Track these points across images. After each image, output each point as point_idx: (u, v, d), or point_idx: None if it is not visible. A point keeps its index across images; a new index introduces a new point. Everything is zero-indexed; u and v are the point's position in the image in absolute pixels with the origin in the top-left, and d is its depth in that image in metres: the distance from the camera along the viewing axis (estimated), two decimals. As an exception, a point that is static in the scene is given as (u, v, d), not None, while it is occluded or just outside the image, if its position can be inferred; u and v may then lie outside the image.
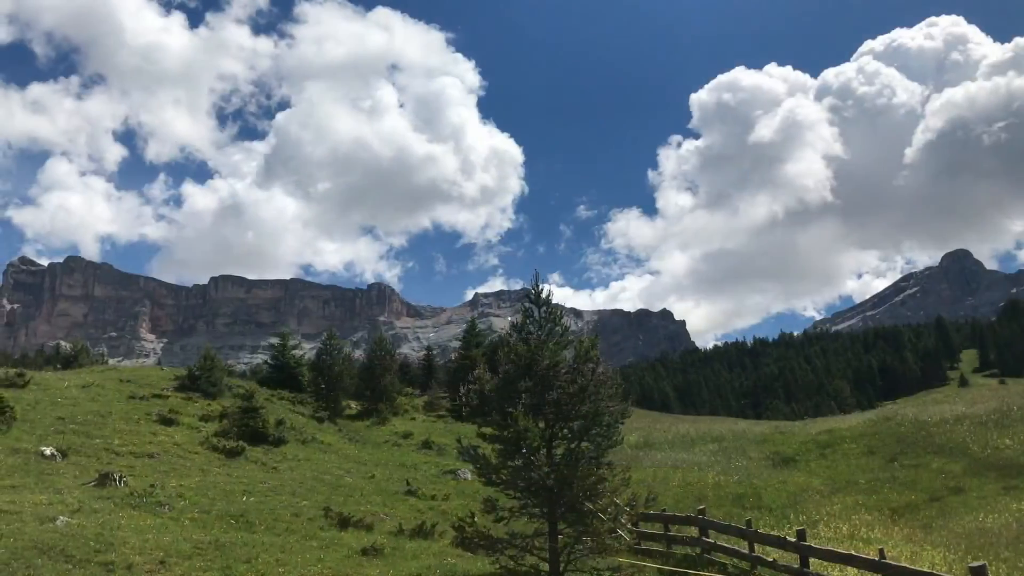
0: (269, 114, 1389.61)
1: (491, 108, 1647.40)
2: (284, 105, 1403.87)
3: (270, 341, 73.52)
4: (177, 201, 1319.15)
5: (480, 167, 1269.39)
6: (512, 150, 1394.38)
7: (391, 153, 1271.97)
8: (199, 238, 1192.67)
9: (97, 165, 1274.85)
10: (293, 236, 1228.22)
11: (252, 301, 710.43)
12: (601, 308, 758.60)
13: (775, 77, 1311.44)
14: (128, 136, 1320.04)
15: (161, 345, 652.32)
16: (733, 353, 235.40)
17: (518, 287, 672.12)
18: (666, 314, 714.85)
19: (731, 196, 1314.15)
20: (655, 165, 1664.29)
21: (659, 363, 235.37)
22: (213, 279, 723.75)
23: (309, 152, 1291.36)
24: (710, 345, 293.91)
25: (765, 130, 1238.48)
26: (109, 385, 42.49)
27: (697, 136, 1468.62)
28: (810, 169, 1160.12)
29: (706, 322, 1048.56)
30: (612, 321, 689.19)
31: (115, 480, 23.22)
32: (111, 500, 21.03)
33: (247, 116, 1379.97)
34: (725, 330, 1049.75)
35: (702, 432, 52.84)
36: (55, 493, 20.77)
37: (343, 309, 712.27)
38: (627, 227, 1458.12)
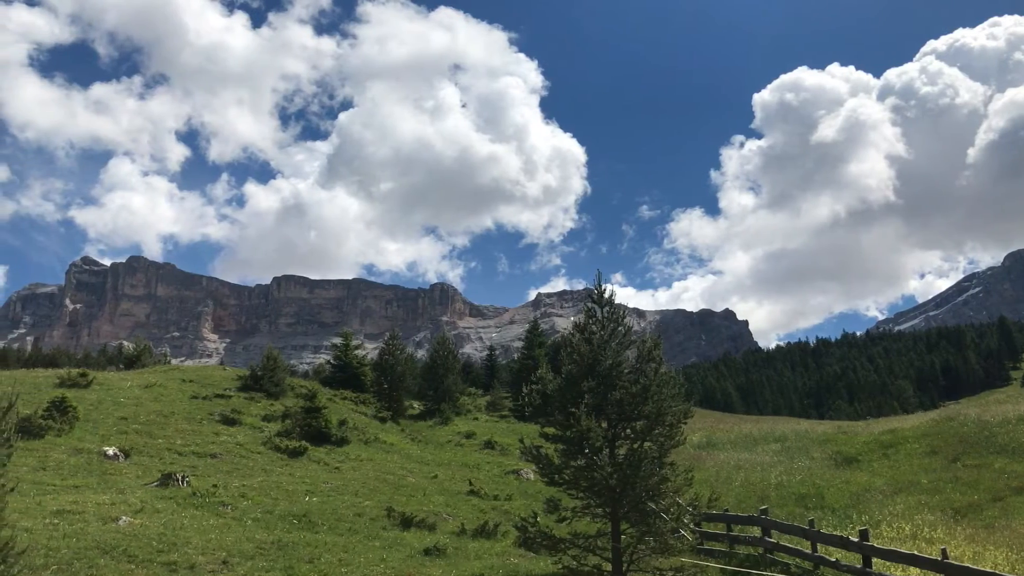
0: (332, 114, 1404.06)
1: (554, 108, 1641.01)
2: (347, 105, 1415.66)
3: (333, 341, 74.52)
4: (240, 201, 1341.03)
5: (543, 167, 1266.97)
6: (575, 150, 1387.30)
7: (454, 153, 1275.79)
8: (261, 238, 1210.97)
9: (159, 165, 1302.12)
10: (356, 236, 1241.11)
11: (315, 301, 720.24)
12: (664, 308, 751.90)
13: (837, 77, 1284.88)
14: (191, 136, 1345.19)
15: (224, 345, 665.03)
16: (796, 353, 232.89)
17: (581, 287, 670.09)
18: (728, 314, 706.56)
19: (794, 196, 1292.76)
20: (717, 165, 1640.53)
21: (721, 363, 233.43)
22: (276, 279, 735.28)
23: (372, 152, 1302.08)
24: (773, 345, 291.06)
25: (828, 130, 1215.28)
26: (171, 385, 43.53)
27: (760, 136, 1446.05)
28: (873, 169, 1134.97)
29: (768, 322, 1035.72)
30: (675, 321, 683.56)
31: (177, 480, 23.82)
32: (173, 500, 21.59)
33: (310, 116, 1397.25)
34: (787, 330, 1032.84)
35: (765, 432, 52.38)
36: (118, 493, 21.40)
37: (405, 309, 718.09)
38: (689, 227, 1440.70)
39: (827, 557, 19.72)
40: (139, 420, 33.46)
